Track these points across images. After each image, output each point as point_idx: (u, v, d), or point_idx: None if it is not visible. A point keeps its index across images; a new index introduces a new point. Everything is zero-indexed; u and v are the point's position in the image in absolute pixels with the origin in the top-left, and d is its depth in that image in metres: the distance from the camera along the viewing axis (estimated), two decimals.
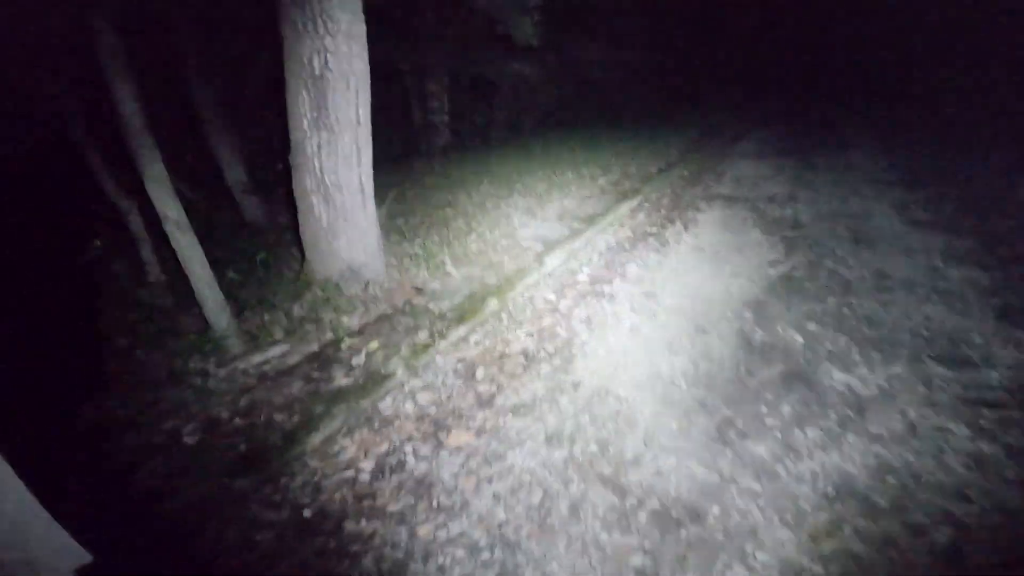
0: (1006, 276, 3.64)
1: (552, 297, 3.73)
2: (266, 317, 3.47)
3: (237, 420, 2.73)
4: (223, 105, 4.92)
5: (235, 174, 5.00)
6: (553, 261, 4.13)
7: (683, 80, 16.44)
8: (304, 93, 3.12)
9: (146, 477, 2.37)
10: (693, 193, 6.26)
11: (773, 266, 4.03)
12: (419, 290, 3.73)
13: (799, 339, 3.09)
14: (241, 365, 3.14)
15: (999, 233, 4.48)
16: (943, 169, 6.78)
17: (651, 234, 4.88)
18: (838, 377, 2.78)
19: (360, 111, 3.31)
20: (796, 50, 20.25)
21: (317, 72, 3.08)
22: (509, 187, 6.25)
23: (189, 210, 3.01)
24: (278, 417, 2.73)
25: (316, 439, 2.61)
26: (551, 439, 2.55)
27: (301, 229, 3.60)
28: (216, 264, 3.28)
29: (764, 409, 2.63)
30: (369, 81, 3.32)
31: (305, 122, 3.18)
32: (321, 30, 3.01)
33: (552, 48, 12.26)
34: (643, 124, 11.32)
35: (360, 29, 3.18)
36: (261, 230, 4.97)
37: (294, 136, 3.26)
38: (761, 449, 2.41)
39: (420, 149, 9.01)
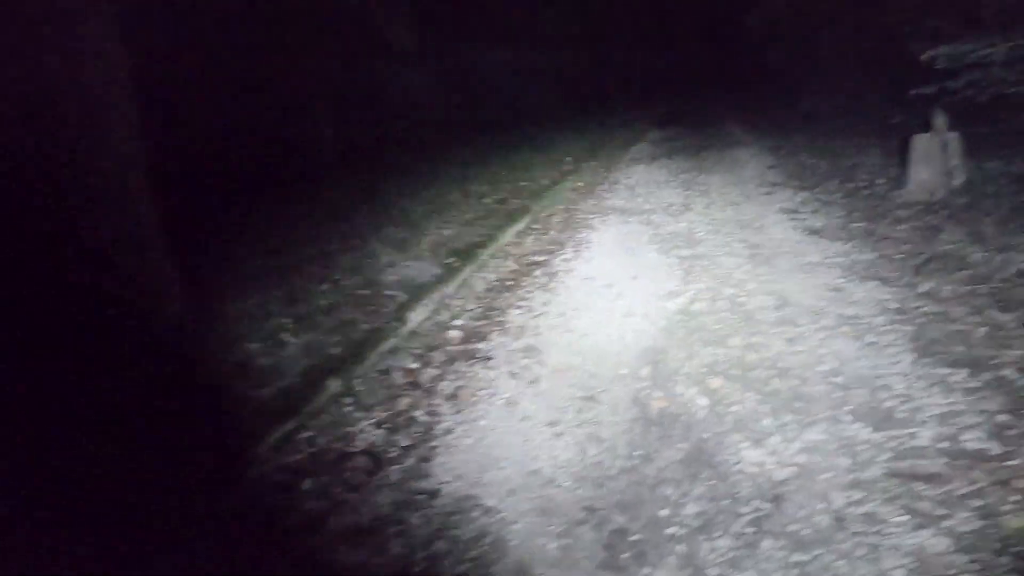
0: (913, 293, 3.32)
1: (413, 366, 3.02)
2: None
3: None
4: None
5: None
6: (418, 315, 3.43)
7: (580, 81, 16.29)
8: None
9: None
10: (587, 207, 5.77)
11: (671, 298, 3.53)
12: (241, 368, 2.91)
13: (703, 402, 2.56)
14: None
15: (892, 238, 4.25)
16: (823, 165, 6.71)
17: (538, 264, 4.28)
18: (749, 456, 2.25)
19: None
20: (687, 48, 20.81)
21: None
22: (386, 213, 5.49)
23: None
24: None
25: None
26: None
27: None
28: None
29: (664, 512, 2.05)
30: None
31: None
32: None
33: (442, 53, 11.59)
34: (539, 130, 10.87)
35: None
36: None
37: None
38: None
39: (297, 172, 8.02)
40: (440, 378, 2.94)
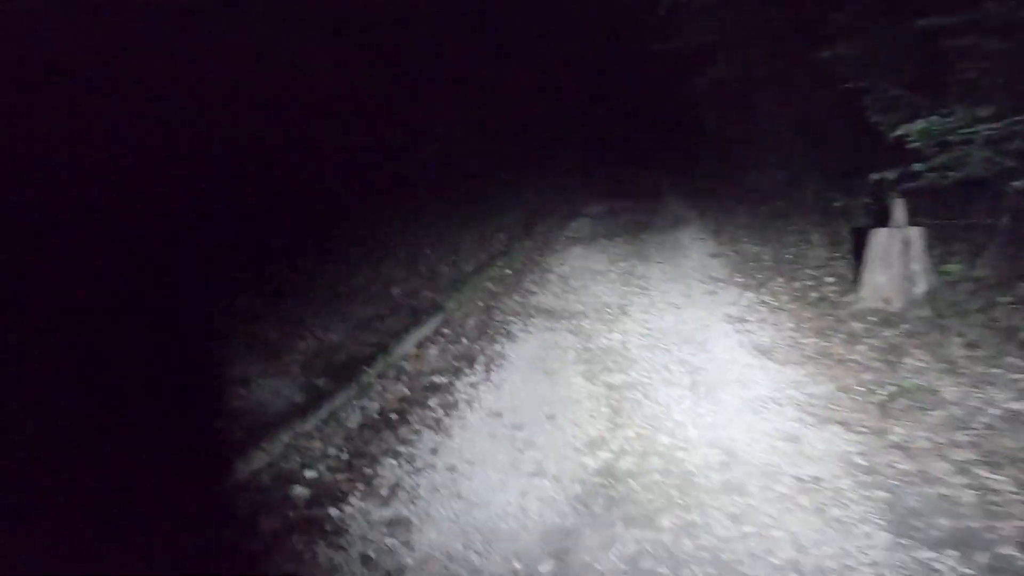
0: (882, 443, 2.96)
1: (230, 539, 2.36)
2: None
3: None
4: None
5: None
6: (258, 462, 2.78)
7: (520, 144, 16.41)
8: None
9: None
10: (510, 305, 5.33)
11: (592, 450, 3.01)
12: None
13: None
14: None
15: (850, 361, 3.95)
16: (767, 256, 6.65)
17: (437, 388, 3.73)
18: None
19: None
20: (628, 114, 21.64)
21: None
22: (253, 317, 4.61)
23: None
24: None
25: None
26: None
27: None
28: None
29: None
30: None
31: None
32: None
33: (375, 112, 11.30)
34: (470, 202, 10.51)
35: None
36: None
37: None
38: None
39: None
40: (264, 558, 2.28)
